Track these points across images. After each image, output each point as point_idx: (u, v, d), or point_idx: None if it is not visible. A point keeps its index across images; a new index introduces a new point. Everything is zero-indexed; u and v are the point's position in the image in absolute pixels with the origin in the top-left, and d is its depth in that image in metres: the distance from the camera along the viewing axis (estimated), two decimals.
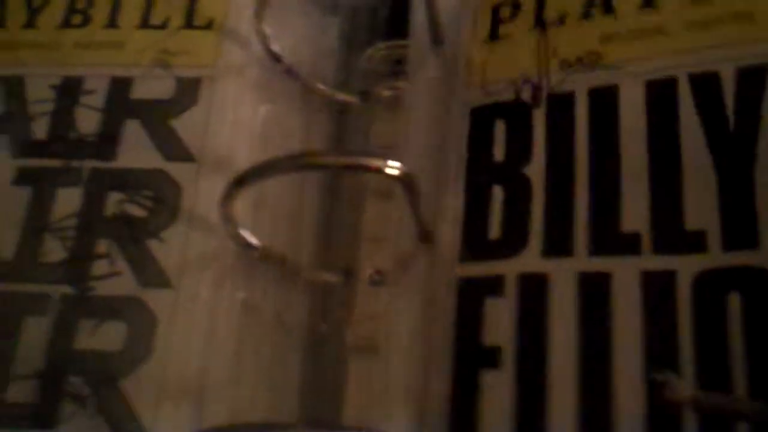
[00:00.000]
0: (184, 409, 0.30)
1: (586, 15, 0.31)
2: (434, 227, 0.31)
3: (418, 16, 0.35)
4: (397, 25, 0.37)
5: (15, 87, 0.35)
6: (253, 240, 0.32)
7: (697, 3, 0.30)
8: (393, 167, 0.27)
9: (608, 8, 0.31)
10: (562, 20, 0.32)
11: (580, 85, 0.30)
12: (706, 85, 0.29)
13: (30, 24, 0.36)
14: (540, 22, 0.32)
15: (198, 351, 0.30)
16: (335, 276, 0.34)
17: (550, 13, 0.32)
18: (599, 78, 0.30)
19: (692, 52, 0.30)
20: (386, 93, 0.37)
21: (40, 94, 0.35)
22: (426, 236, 0.31)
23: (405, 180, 0.28)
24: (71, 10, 0.36)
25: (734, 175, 0.28)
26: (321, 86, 0.36)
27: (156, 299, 0.31)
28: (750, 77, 0.28)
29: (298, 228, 0.34)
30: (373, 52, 0.38)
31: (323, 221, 0.35)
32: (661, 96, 0.29)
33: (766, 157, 0.27)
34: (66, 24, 0.36)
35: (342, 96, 0.37)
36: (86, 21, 0.36)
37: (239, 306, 0.32)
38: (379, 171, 0.28)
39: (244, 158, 0.33)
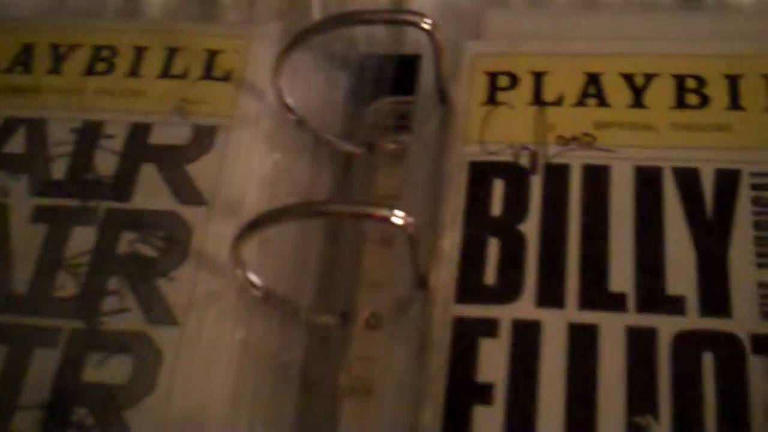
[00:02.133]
0: None
1: (581, 103, 0.35)
2: (429, 272, 0.32)
3: (427, 75, 0.37)
4: (401, 81, 0.39)
5: (37, 129, 0.37)
6: (256, 281, 0.33)
7: (681, 108, 0.34)
8: (398, 216, 0.29)
9: (602, 101, 0.35)
10: (558, 102, 0.35)
11: (575, 160, 0.34)
12: (687, 178, 0.33)
13: (55, 70, 0.38)
14: (538, 100, 0.35)
15: (199, 386, 0.32)
16: (333, 319, 0.35)
17: (548, 94, 0.35)
18: (593, 157, 0.34)
19: (676, 148, 0.33)
20: (390, 145, 0.38)
21: (60, 136, 0.37)
22: (422, 282, 0.32)
23: (408, 229, 0.29)
24: (96, 58, 0.38)
25: (711, 254, 0.31)
26: (329, 137, 0.38)
27: (162, 335, 0.32)
28: (726, 178, 0.32)
29: (299, 271, 0.35)
30: (378, 106, 0.39)
31: (324, 265, 0.36)
32: (648, 180, 0.33)
33: (739, 243, 0.31)
34: (90, 71, 0.38)
35: (348, 147, 0.38)
36: (110, 69, 0.38)
37: (239, 344, 0.33)
38: (385, 220, 0.29)
39: (253, 203, 0.35)
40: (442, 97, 0.36)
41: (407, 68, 0.39)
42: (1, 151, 0.37)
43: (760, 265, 0.30)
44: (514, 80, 0.36)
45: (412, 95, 0.38)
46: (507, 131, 0.35)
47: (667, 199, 0.32)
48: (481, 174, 0.34)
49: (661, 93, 0.35)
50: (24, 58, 0.39)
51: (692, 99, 0.34)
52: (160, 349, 0.32)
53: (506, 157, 0.34)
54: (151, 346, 0.32)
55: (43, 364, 0.32)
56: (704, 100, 0.34)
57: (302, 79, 0.38)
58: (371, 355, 0.33)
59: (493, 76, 0.36)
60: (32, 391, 0.31)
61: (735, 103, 0.34)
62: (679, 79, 0.35)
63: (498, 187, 0.33)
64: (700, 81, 0.35)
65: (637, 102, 0.35)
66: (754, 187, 0.32)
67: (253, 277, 0.33)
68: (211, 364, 0.32)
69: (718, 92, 0.34)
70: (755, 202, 0.32)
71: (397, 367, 0.32)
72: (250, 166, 0.36)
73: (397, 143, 0.38)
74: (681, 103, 0.34)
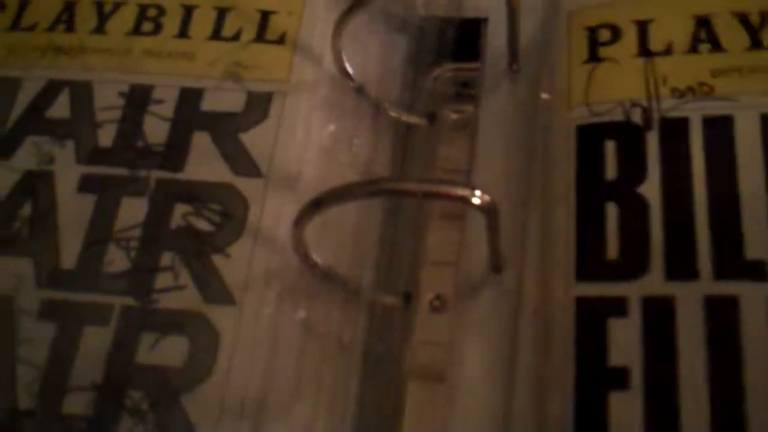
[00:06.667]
0: (243, 428, 0.29)
1: (694, 49, 0.32)
2: (513, 253, 0.31)
3: (495, 40, 0.35)
4: (464, 46, 0.37)
5: (82, 92, 0.35)
6: (317, 259, 0.32)
7: None
8: (478, 197, 0.27)
9: (716, 46, 0.32)
10: (668, 51, 0.32)
11: (694, 112, 0.31)
12: None
13: (99, 29, 0.36)
14: (645, 51, 0.33)
15: (259, 369, 0.30)
16: (395, 299, 0.33)
17: (655, 43, 0.33)
18: (713, 108, 0.31)
19: None
20: (453, 115, 0.36)
21: (107, 101, 0.35)
22: (497, 266, 0.30)
23: (488, 209, 0.27)
24: (142, 17, 0.36)
25: None
26: (390, 106, 0.36)
27: (219, 315, 0.30)
28: None
29: (360, 248, 0.34)
30: (439, 73, 0.37)
31: (386, 242, 0.34)
32: None
33: None
34: (136, 31, 0.36)
35: (410, 117, 0.36)
36: (157, 29, 0.36)
37: (300, 325, 0.31)
38: (464, 200, 0.27)
39: (311, 176, 0.33)
40: (514, 63, 0.34)
41: (469, 33, 0.37)
42: (44, 116, 0.34)
43: None
44: (616, 32, 0.33)
45: (475, 61, 0.36)
46: (614, 88, 0.32)
47: None
48: (590, 138, 0.31)
49: None
50: (66, 17, 0.37)
51: None
52: (217, 329, 0.30)
53: (616, 116, 0.32)
54: (209, 326, 0.30)
55: (95, 343, 0.30)
56: None
57: (359, 43, 0.36)
58: (437, 339, 0.32)
59: (592, 31, 0.34)
60: (84, 371, 0.30)
61: None
62: None
63: (610, 149, 0.31)
64: None
65: (755, 43, 0.32)
66: None
67: (314, 256, 0.32)
68: (271, 347, 0.30)
69: None
70: None
71: (470, 354, 0.30)
72: (307, 136, 0.34)
73: (460, 113, 0.36)
74: None
